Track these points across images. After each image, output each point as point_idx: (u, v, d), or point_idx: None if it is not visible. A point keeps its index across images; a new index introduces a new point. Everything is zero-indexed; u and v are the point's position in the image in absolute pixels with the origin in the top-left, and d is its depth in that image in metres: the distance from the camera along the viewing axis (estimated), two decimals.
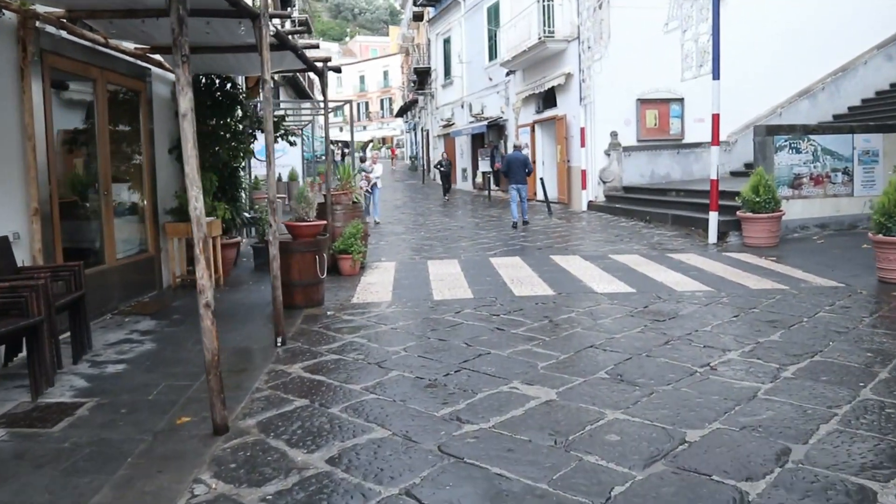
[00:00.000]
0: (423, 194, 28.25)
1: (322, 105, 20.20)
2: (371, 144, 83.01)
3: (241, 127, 9.70)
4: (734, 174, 17.19)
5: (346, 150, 65.82)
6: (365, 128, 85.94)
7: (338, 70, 10.11)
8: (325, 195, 10.07)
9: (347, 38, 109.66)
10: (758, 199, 10.89)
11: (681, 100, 17.64)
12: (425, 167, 40.76)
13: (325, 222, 7.79)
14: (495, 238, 13.21)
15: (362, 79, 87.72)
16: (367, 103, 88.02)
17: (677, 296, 7.57)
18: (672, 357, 5.29)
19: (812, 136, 11.81)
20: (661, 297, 7.53)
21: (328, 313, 7.25)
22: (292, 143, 11.99)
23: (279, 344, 5.97)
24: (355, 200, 10.20)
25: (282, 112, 14.56)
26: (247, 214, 11.12)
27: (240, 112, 9.82)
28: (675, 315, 6.68)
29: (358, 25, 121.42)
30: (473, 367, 5.14)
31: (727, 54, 15.85)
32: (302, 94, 33.36)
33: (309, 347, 5.92)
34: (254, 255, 10.51)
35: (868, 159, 12.05)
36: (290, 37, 7.89)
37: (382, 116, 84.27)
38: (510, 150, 18.10)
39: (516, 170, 15.50)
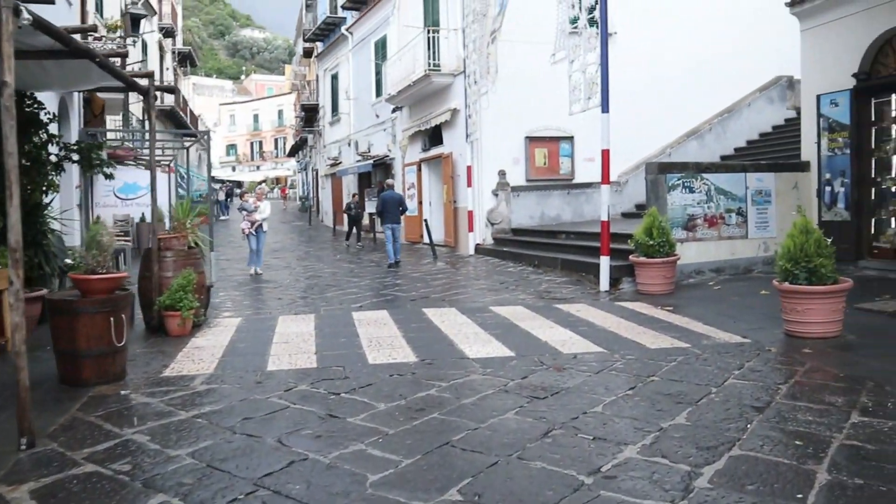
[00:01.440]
0: (306, 237, 26.51)
1: (199, 136, 18.38)
2: (264, 185, 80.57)
3: (44, 155, 7.92)
4: (626, 215, 16.45)
5: (239, 190, 63.41)
6: (258, 167, 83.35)
7: (171, 90, 8.51)
8: (159, 239, 8.38)
9: (243, 77, 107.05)
10: (651, 243, 9.90)
11: (571, 138, 16.84)
12: (315, 208, 39.00)
13: (124, 275, 6.11)
14: (367, 287, 11.73)
15: (256, 117, 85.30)
16: (260, 142, 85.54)
17: (564, 360, 6.29)
18: (552, 459, 3.93)
19: (705, 175, 11.01)
20: (544, 362, 6.22)
21: (122, 393, 5.55)
22: (108, 176, 10.25)
23: (23, 447, 4.27)
24: (192, 245, 8.53)
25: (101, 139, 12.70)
26: (69, 261, 9.26)
27: (45, 136, 8.04)
28: (559, 389, 5.36)
29: (256, 65, 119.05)
30: (274, 487, 3.61)
31: (617, 92, 15.15)
32: (181, 126, 31.25)
33: (65, 452, 4.24)
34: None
35: (761, 199, 11.33)
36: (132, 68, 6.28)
37: (276, 156, 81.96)
38: (387, 189, 16.84)
39: (390, 209, 14.69)
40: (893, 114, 10.79)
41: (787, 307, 7.11)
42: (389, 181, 17.37)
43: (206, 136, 13.67)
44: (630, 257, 10.29)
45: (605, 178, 10.44)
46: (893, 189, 10.71)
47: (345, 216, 22.41)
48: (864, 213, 10.74)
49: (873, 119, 10.78)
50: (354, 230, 21.41)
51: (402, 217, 16.02)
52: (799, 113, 17.42)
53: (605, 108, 10.31)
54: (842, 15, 10.90)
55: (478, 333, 7.47)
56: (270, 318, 8.78)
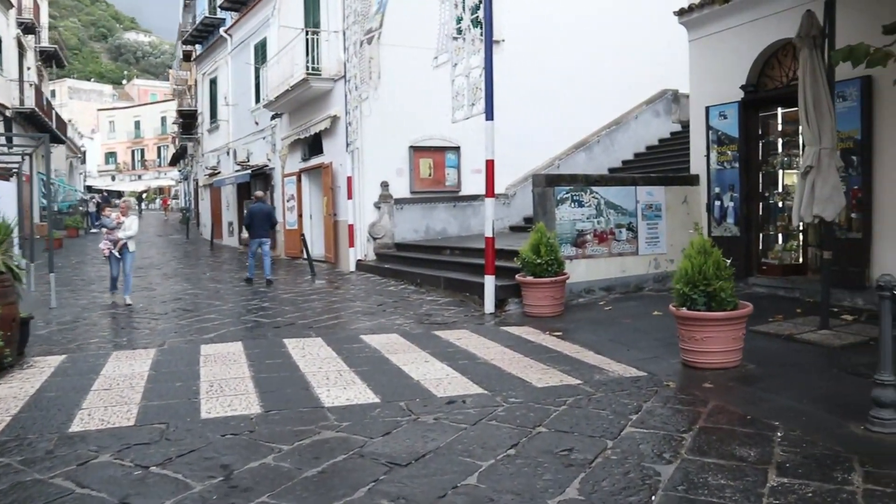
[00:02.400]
0: (181, 252, 24.56)
1: (38, 141, 16.36)
2: (146, 195, 76.32)
3: None
4: (515, 229, 15.75)
5: (118, 201, 59.70)
6: (140, 177, 79.08)
7: None
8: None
9: (125, 82, 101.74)
10: (539, 262, 9.10)
11: (457, 148, 16.02)
12: (194, 220, 36.80)
13: None
14: (229, 312, 10.40)
15: (138, 124, 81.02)
16: (143, 150, 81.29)
17: (436, 407, 5.30)
18: None
19: (595, 188, 10.34)
20: (413, 411, 5.21)
21: None
22: None
23: None
24: (3, 270, 7.06)
25: None
26: None
27: None
28: (426, 451, 4.36)
29: (141, 70, 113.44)
30: None
31: (504, 101, 14.42)
32: (44, 131, 28.73)
33: None
34: None
35: (652, 214, 10.79)
36: None
37: (159, 165, 77.95)
38: (256, 202, 15.49)
39: (259, 223, 13.57)
40: (780, 127, 10.47)
41: (685, 335, 6.40)
42: (258, 193, 16.07)
43: (43, 142, 11.91)
44: (517, 277, 9.47)
45: (490, 190, 9.59)
46: (781, 204, 10.37)
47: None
48: (753, 228, 10.34)
49: (761, 132, 10.42)
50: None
51: (273, 231, 14.84)
52: (684, 127, 17.33)
53: (489, 115, 9.47)
54: (729, 26, 10.51)
55: (341, 372, 6.37)
56: (101, 356, 7.37)
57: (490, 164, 9.52)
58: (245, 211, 22.33)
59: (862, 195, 8.69)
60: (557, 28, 16.94)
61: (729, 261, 6.48)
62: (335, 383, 5.98)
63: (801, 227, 10.23)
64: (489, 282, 9.52)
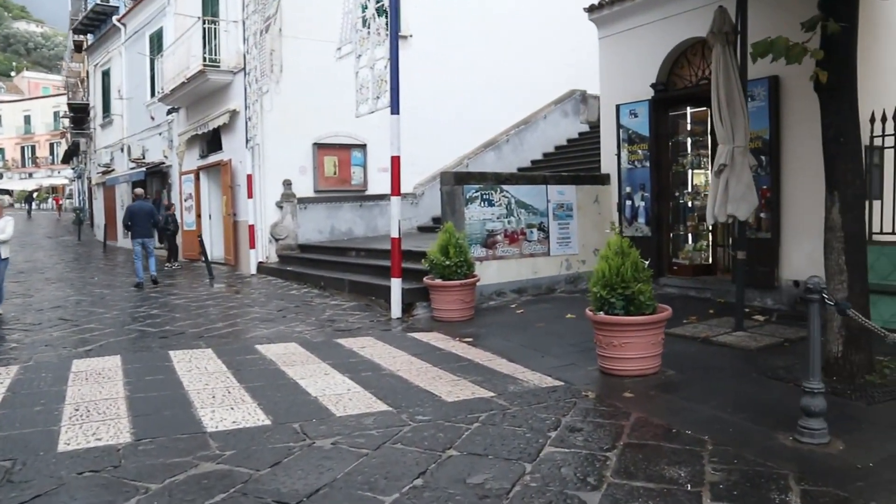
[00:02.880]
0: (71, 255, 22.82)
1: None
2: (37, 194, 71.86)
3: None
4: (422, 230, 15.27)
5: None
6: (31, 175, 74.42)
7: None
8: None
9: (13, 73, 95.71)
10: (448, 263, 8.59)
11: (363, 146, 15.36)
12: (88, 220, 34.66)
13: None
14: (112, 321, 9.41)
15: (28, 119, 76.28)
16: (33, 147, 76.56)
17: (335, 429, 4.69)
18: None
19: (506, 187, 9.92)
20: (308, 434, 4.58)
21: None
22: None
23: None
24: None
25: None
26: None
27: None
28: (319, 487, 3.74)
29: (33, 62, 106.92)
30: None
31: (412, 98, 13.87)
32: None
33: None
34: None
35: (563, 214, 10.45)
36: None
37: (52, 162, 73.57)
38: (137, 200, 14.42)
39: (141, 222, 12.85)
40: (689, 126, 10.32)
41: (603, 341, 6.00)
42: (138, 191, 14.97)
43: None
44: (425, 280, 8.93)
45: (396, 188, 9.01)
46: (690, 204, 10.23)
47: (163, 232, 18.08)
48: (664, 228, 10.15)
49: (671, 131, 10.24)
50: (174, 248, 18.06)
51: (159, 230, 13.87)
52: (592, 127, 17.26)
53: (394, 108, 8.89)
54: (640, 23, 10.29)
55: (230, 389, 5.66)
56: None
57: (396, 161, 8.95)
58: (125, 210, 21.08)
59: (771, 195, 8.58)
60: (466, 25, 16.55)
61: (647, 262, 6.12)
62: (222, 403, 5.27)
63: (710, 228, 10.12)
64: (395, 285, 8.94)
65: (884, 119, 8.02)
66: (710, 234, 10.14)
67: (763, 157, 8.67)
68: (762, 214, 8.70)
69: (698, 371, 6.04)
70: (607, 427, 4.70)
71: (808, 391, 4.40)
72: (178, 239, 18.14)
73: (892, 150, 8.08)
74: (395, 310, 8.93)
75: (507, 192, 9.90)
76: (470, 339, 7.55)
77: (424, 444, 4.36)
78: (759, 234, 8.71)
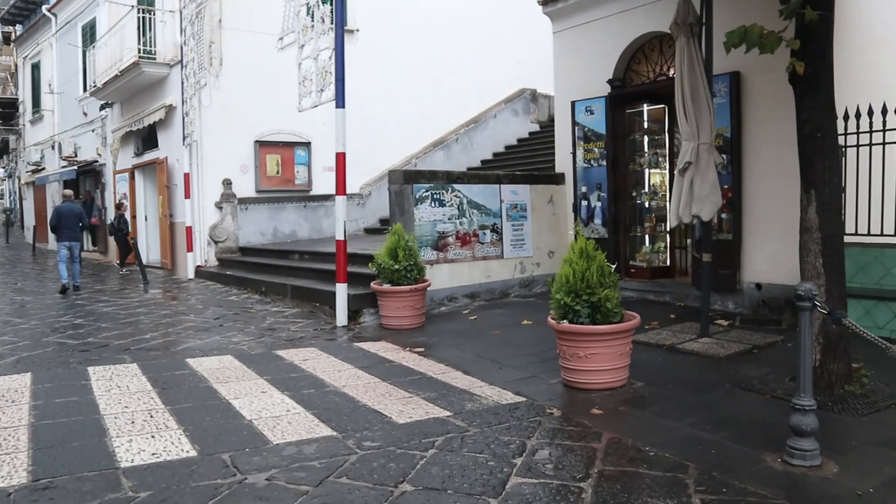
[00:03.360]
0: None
1: None
2: None
3: None
4: (370, 231, 14.67)
5: None
6: None
7: None
8: None
9: None
10: (397, 268, 8.00)
11: (307, 144, 14.65)
12: (18, 221, 32.94)
13: None
14: (30, 331, 8.52)
15: None
16: None
17: (271, 460, 4.06)
18: None
19: (457, 186, 9.38)
20: (239, 468, 3.94)
21: None
22: None
23: None
24: None
25: None
26: None
27: None
28: None
29: None
30: None
31: (359, 95, 13.32)
32: None
33: None
34: None
35: (517, 214, 9.97)
36: None
37: None
38: (65, 201, 13.41)
39: (68, 224, 12.09)
40: (646, 125, 9.95)
41: (567, 352, 5.49)
42: (67, 192, 13.95)
43: None
44: (372, 285, 8.32)
45: (341, 187, 8.37)
46: (647, 204, 9.85)
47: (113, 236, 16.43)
48: (621, 229, 9.75)
49: (628, 129, 9.85)
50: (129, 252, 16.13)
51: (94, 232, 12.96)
52: (543, 127, 16.90)
53: (340, 102, 8.26)
54: (596, 17, 9.87)
55: (153, 413, 4.97)
56: None
57: (341, 158, 8.32)
58: (52, 212, 19.91)
59: (732, 195, 8.22)
60: (415, 22, 15.99)
61: (614, 266, 5.65)
62: (142, 430, 4.58)
63: (668, 229, 9.75)
64: (341, 291, 8.31)
65: (846, 117, 7.74)
66: (667, 235, 9.78)
67: (724, 156, 8.31)
68: (723, 215, 8.35)
69: (668, 383, 5.59)
70: (578, 451, 4.18)
71: (799, 408, 3.97)
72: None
73: (855, 148, 7.81)
74: (341, 317, 8.30)
75: (458, 191, 9.36)
76: (421, 349, 6.98)
77: (374, 478, 3.77)
78: (721, 236, 8.36)
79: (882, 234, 7.42)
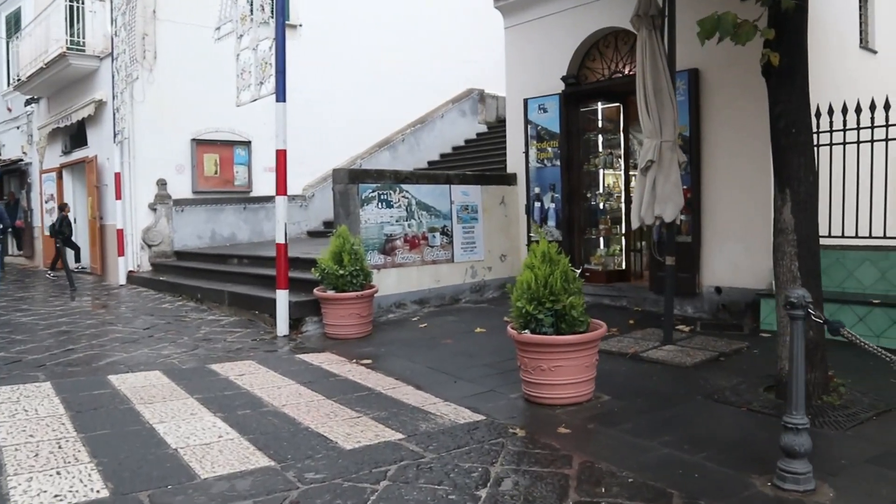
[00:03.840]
0: None
1: None
2: None
3: None
4: (313, 234, 14.04)
5: None
6: None
7: None
8: None
9: None
10: (342, 273, 7.43)
11: (248, 143, 13.92)
12: None
13: None
14: None
15: None
16: None
17: (196, 499, 3.47)
18: None
19: (406, 186, 8.85)
20: None
21: None
22: None
23: None
24: None
25: None
26: None
27: None
28: None
29: None
30: None
31: (302, 93, 12.76)
32: None
33: None
34: None
35: (467, 216, 9.49)
36: None
37: None
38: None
39: None
40: (601, 124, 9.60)
41: (529, 364, 5.02)
42: None
43: None
44: (315, 291, 7.72)
45: (282, 187, 7.76)
46: (602, 205, 9.49)
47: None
48: (576, 231, 9.37)
49: (582, 128, 9.48)
50: (71, 255, 14.80)
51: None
52: (491, 128, 16.50)
53: (280, 95, 7.65)
54: (549, 12, 9.48)
55: (61, 443, 4.29)
56: None
57: (282, 156, 7.71)
58: (24, 214, 18.69)
59: (692, 196, 7.90)
60: (361, 18, 15.41)
61: (578, 271, 5.21)
62: (46, 464, 3.92)
63: (622, 231, 9.41)
64: (282, 298, 7.69)
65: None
66: (622, 237, 9.44)
67: (686, 155, 8.00)
68: (682, 217, 8.01)
69: (637, 396, 5.17)
70: (548, 479, 3.70)
71: (791, 427, 3.57)
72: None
73: (815, 148, 7.56)
74: (282, 326, 7.68)
75: (407, 192, 8.84)
76: (369, 361, 6.42)
77: None
78: (680, 238, 8.02)
79: (843, 236, 7.21)
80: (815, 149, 7.67)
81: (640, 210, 6.62)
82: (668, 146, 6.49)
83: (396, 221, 8.71)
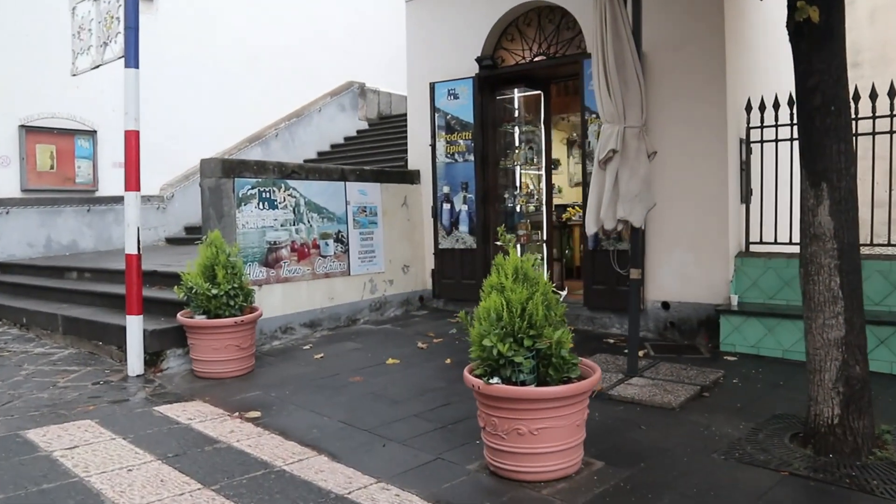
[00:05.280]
0: None
1: None
2: None
3: None
4: (173, 242, 11.83)
5: None
6: None
7: None
8: None
9: None
10: (216, 293, 5.58)
11: (92, 133, 11.50)
12: None
13: None
14: None
15: None
16: None
17: None
18: None
19: (292, 182, 7.08)
20: None
21: None
22: None
23: None
24: None
25: None
26: None
27: None
28: None
29: None
30: None
31: (159, 77, 10.73)
32: None
33: None
34: None
35: (366, 220, 7.84)
36: None
37: None
38: None
39: None
40: (516, 113, 8.25)
41: (502, 426, 3.47)
42: None
43: None
44: (180, 316, 5.81)
45: (133, 180, 5.76)
46: (521, 208, 8.15)
47: None
48: (492, 238, 7.96)
49: (499, 118, 8.10)
50: None
51: None
52: (371, 125, 14.88)
53: (132, 60, 5.68)
54: None
55: None
56: None
57: (133, 139, 5.74)
58: None
59: None
60: None
61: (565, 294, 3.73)
62: None
63: (543, 238, 8.11)
64: (135, 326, 5.71)
65: (748, 108, 6.48)
66: (543, 245, 8.13)
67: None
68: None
69: (635, 458, 3.76)
70: None
71: None
72: None
73: (770, 143, 6.57)
74: (135, 363, 5.70)
75: (294, 189, 7.07)
76: (257, 415, 4.65)
77: None
78: (620, 245, 6.79)
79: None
80: (760, 145, 6.68)
81: (597, 212, 5.28)
82: (634, 133, 5.18)
83: (282, 226, 6.93)
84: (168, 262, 7.96)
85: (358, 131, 14.85)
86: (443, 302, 8.30)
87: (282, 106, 13.98)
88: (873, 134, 5.97)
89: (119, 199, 11.09)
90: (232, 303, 5.62)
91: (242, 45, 13.40)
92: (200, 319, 5.60)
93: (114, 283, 7.68)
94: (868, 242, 6.57)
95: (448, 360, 5.95)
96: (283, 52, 13.97)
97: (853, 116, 5.90)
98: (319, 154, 14.18)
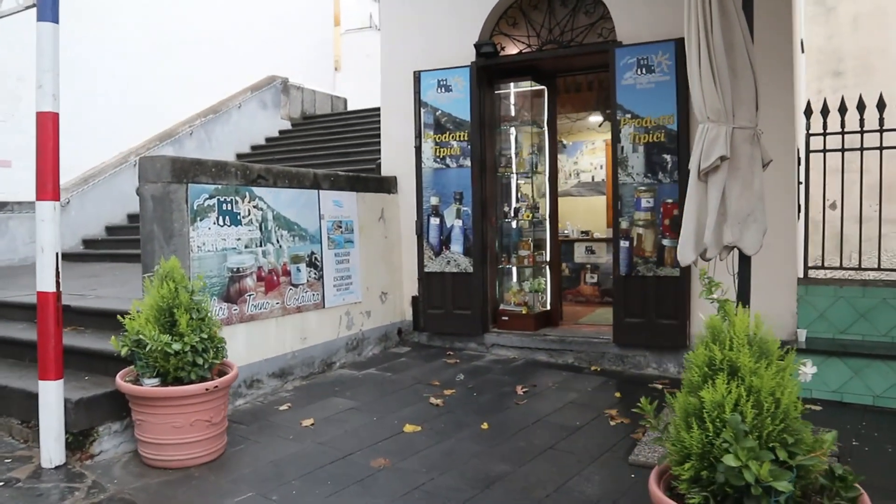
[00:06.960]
0: None
1: None
2: None
3: None
4: (70, 258, 9.55)
5: None
6: None
7: None
8: None
9: None
10: (178, 348, 3.87)
11: None
12: None
13: None
14: None
15: None
16: None
17: None
18: None
19: (258, 191, 5.39)
20: None
21: None
22: None
23: None
24: None
25: None
26: None
27: None
28: None
29: None
30: None
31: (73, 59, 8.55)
32: None
33: None
34: None
35: (341, 237, 6.24)
36: None
37: None
38: None
39: None
40: (513, 112, 6.91)
41: None
42: None
43: None
44: (120, 380, 4.03)
45: (49, 185, 3.90)
46: (516, 224, 6.80)
47: None
48: (490, 260, 6.55)
49: (502, 117, 6.73)
50: None
51: None
52: (294, 125, 13.17)
53: (48, 11, 3.90)
54: None
55: None
56: None
57: (50, 123, 3.93)
58: None
59: (678, 213, 5.49)
60: None
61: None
62: None
63: (547, 259, 6.80)
64: (52, 396, 3.87)
65: (807, 112, 5.46)
66: (547, 267, 6.81)
67: (667, 157, 5.56)
68: (666, 241, 5.60)
69: None
70: None
71: None
72: None
73: (823, 154, 5.57)
74: (52, 450, 3.87)
75: (261, 199, 5.39)
76: None
77: None
78: (661, 271, 5.57)
79: (860, 268, 5.28)
80: (822, 155, 5.70)
81: (695, 235, 4.00)
82: (746, 136, 3.93)
83: (246, 247, 5.23)
84: (76, 288, 6.03)
85: (280, 132, 13.08)
86: (426, 336, 6.81)
87: (197, 100, 12.00)
88: (861, 150, 5.20)
89: (3, 206, 8.87)
90: (200, 360, 3.92)
91: (153, 27, 11.34)
92: (153, 387, 3.87)
93: (12, 322, 5.67)
94: (857, 266, 5.68)
95: (484, 426, 4.49)
96: (199, 40, 12.02)
97: (840, 130, 5.14)
98: (239, 156, 12.30)
